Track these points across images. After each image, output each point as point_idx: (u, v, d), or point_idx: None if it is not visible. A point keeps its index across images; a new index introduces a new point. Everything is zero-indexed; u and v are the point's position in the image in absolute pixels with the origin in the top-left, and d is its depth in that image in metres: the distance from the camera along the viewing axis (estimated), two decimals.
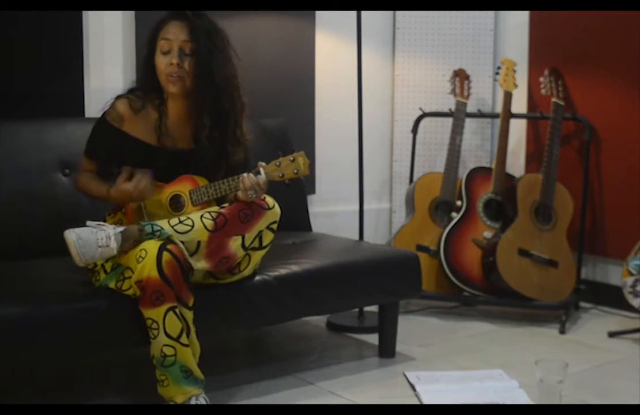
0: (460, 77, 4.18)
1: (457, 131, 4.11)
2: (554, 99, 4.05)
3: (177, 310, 2.63)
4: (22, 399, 2.87)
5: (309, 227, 3.81)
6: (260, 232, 2.83)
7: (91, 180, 2.91)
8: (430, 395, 2.93)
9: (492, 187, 4.05)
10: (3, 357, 2.50)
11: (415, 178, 4.27)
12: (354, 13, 3.85)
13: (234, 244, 2.77)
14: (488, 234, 4.00)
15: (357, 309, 3.79)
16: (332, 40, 4.23)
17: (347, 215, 4.08)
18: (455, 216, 4.02)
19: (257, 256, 2.86)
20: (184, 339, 2.65)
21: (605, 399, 2.98)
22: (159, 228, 2.68)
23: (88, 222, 2.67)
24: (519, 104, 4.33)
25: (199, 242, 2.72)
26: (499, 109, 4.19)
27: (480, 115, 4.30)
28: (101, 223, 2.69)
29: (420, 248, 4.00)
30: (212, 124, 2.84)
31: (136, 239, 2.66)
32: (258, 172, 2.80)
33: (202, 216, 2.75)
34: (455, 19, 4.40)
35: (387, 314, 3.37)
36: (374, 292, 3.28)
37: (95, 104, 3.17)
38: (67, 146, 3.24)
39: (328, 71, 4.23)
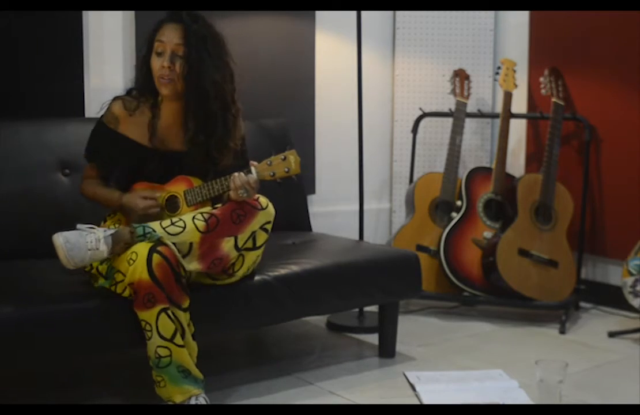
0: (460, 77, 4.18)
1: (457, 131, 4.11)
2: (554, 99, 4.05)
3: (169, 312, 2.62)
4: (22, 399, 2.87)
5: (309, 227, 3.81)
6: (254, 232, 2.81)
7: (97, 186, 2.90)
8: (430, 395, 2.93)
9: (492, 187, 4.05)
10: (3, 357, 2.50)
11: (415, 178, 4.27)
12: (354, 13, 3.85)
13: (227, 245, 2.77)
14: (488, 234, 4.00)
15: (357, 309, 3.79)
16: (332, 40, 4.23)
17: (347, 215, 4.08)
18: (455, 216, 4.02)
19: (251, 257, 2.84)
20: (178, 340, 2.64)
21: (605, 399, 2.98)
22: (150, 230, 2.68)
23: (78, 225, 2.66)
24: (519, 104, 4.33)
25: (191, 244, 2.71)
26: (499, 109, 4.19)
27: (480, 115, 4.30)
28: (92, 226, 2.68)
29: (420, 248, 4.00)
30: (197, 128, 2.84)
31: (127, 241, 2.66)
32: (249, 171, 2.79)
33: (194, 217, 2.74)
34: (455, 19, 4.40)
35: (387, 314, 3.37)
36: (374, 292, 3.28)
37: (95, 104, 3.17)
38: (67, 146, 3.24)
39: (328, 71, 4.23)
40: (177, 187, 2.85)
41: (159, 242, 2.66)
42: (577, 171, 4.15)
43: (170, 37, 2.80)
